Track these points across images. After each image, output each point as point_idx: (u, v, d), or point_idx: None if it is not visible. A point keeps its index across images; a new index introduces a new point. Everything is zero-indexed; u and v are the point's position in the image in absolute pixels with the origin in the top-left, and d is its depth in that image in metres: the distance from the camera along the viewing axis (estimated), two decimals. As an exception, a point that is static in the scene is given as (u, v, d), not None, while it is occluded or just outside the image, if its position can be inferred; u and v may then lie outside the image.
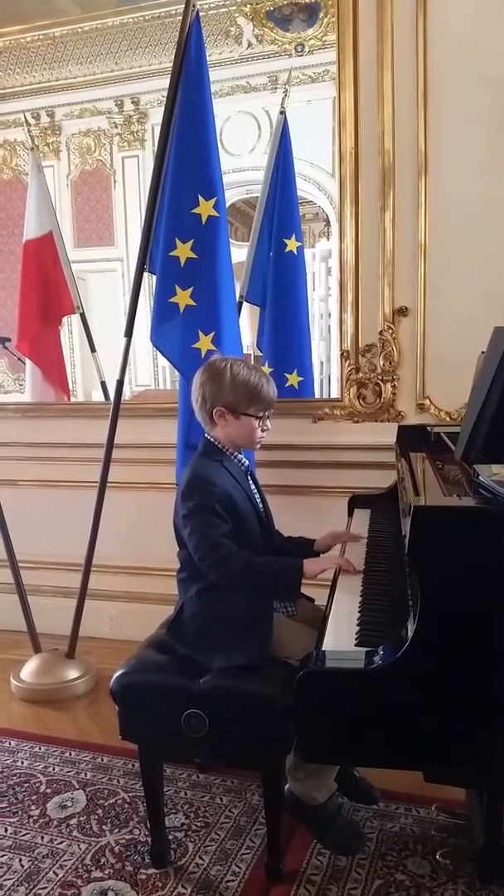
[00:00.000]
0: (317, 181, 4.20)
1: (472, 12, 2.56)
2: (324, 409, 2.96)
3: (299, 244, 3.11)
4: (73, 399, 4.02)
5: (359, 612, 1.53)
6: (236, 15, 3.86)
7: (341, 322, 2.88)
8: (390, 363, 2.81)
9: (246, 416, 1.88)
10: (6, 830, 2.02)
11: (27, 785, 2.24)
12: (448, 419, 2.71)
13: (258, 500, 1.99)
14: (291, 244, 3.08)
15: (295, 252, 3.09)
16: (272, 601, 1.90)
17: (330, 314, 4.06)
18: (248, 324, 3.71)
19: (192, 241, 2.50)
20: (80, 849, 1.93)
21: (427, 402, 2.79)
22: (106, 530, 2.84)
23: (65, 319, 3.72)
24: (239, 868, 1.84)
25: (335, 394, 3.03)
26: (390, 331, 2.79)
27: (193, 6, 2.50)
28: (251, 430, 1.90)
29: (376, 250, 2.76)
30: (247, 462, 1.99)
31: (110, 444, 2.75)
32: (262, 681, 1.72)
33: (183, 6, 2.50)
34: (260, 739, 1.72)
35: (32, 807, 2.13)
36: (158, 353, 2.77)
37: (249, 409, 1.87)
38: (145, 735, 1.83)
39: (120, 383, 2.73)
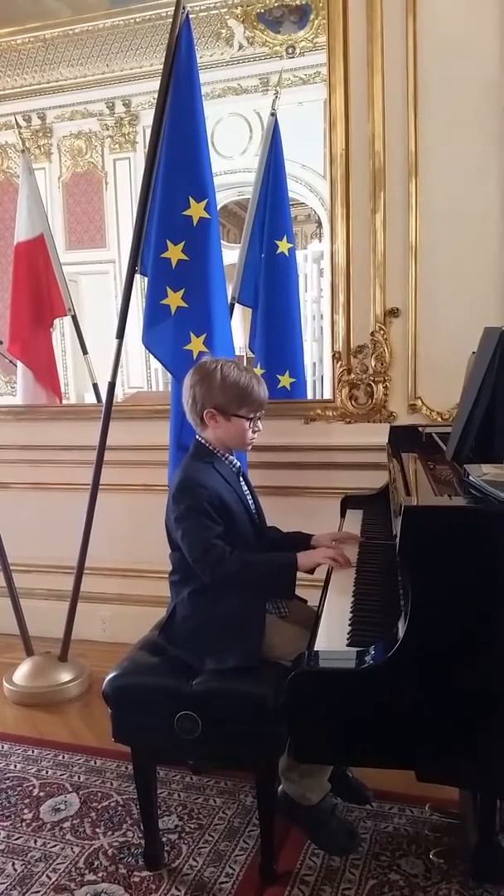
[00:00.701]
0: (308, 183, 4.21)
1: (462, 14, 2.58)
2: (316, 411, 2.96)
3: (291, 246, 3.11)
4: (64, 401, 4.01)
5: (351, 612, 1.54)
6: (227, 17, 3.87)
7: (333, 323, 2.89)
8: (382, 364, 2.81)
9: (237, 417, 1.88)
10: (-1, 834, 2.02)
11: (20, 788, 2.23)
12: (439, 419, 2.72)
13: (250, 502, 1.99)
14: (283, 246, 3.08)
15: (286, 254, 3.09)
16: (264, 602, 1.90)
17: (322, 315, 4.07)
18: (240, 325, 3.70)
19: (183, 242, 2.50)
20: (73, 852, 1.92)
21: (419, 402, 2.80)
22: (98, 533, 2.84)
23: (56, 322, 3.71)
24: (233, 869, 1.84)
25: (327, 395, 3.03)
26: (382, 332, 2.79)
27: (184, 8, 2.50)
28: (242, 431, 1.90)
29: (367, 252, 2.77)
30: (238, 463, 1.99)
31: (102, 447, 2.75)
32: (255, 682, 1.72)
33: (173, 8, 2.51)
34: (253, 740, 1.71)
35: (25, 810, 2.12)
36: (150, 354, 2.76)
37: (240, 411, 1.87)
38: (138, 737, 1.82)
39: (112, 385, 2.73)
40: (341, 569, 1.78)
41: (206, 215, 2.51)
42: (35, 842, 1.98)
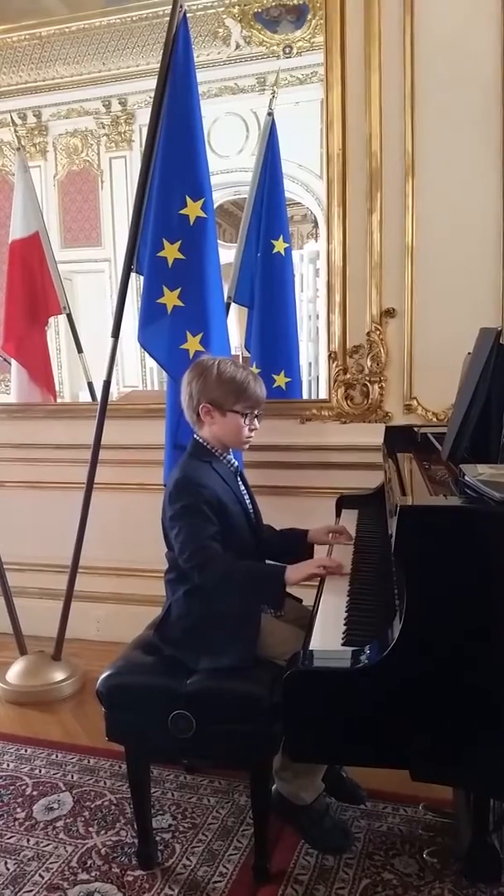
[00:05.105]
0: (304, 182, 4.21)
1: (460, 14, 2.58)
2: (311, 410, 2.96)
3: (287, 245, 3.12)
4: (59, 400, 4.00)
5: (346, 611, 1.54)
6: (224, 16, 3.86)
7: (329, 323, 2.89)
8: (378, 364, 2.82)
9: (232, 413, 1.87)
10: (-8, 833, 2.01)
11: (13, 787, 2.23)
12: (435, 420, 2.72)
13: (247, 502, 1.99)
14: (279, 245, 3.08)
15: (283, 253, 3.10)
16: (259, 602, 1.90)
17: (318, 315, 4.07)
18: (236, 325, 3.71)
19: (179, 241, 2.50)
20: (66, 851, 1.92)
21: (414, 402, 2.80)
22: (93, 531, 2.83)
23: (51, 320, 3.70)
24: (226, 869, 1.83)
25: (323, 395, 3.04)
26: (378, 332, 2.79)
27: (181, 7, 2.50)
28: (237, 427, 1.89)
29: (364, 252, 2.77)
30: (236, 463, 1.99)
31: (97, 445, 2.74)
32: (249, 681, 1.72)
33: (170, 7, 2.50)
34: (247, 740, 1.71)
35: (18, 809, 2.12)
36: (146, 353, 2.76)
37: (236, 406, 1.87)
38: (132, 736, 1.82)
39: (107, 384, 2.72)
40: (335, 575, 1.77)
41: (203, 214, 2.51)
42: (28, 841, 1.97)
